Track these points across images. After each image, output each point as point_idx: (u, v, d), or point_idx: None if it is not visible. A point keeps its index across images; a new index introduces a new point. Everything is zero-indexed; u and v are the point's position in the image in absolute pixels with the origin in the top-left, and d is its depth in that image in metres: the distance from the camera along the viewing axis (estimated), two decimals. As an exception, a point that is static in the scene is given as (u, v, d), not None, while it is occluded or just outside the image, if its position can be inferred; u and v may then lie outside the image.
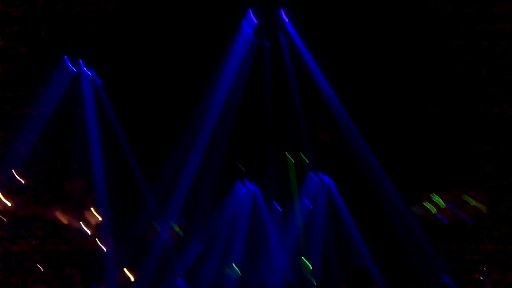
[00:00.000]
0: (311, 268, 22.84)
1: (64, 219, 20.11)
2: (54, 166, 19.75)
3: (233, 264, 22.56)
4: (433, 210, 21.28)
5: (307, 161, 23.38)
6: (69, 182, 20.15)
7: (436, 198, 21.10)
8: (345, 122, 19.18)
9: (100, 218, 20.62)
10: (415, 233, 19.70)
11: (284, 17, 18.71)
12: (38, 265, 18.71)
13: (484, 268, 18.28)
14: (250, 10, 18.27)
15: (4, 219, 18.17)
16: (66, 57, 18.38)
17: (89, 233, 20.37)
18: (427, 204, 21.07)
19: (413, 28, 16.03)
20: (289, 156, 23.30)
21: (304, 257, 23.13)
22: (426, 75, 16.99)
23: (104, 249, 20.15)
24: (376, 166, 19.22)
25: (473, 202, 20.56)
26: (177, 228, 22.52)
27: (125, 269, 20.58)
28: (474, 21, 15.13)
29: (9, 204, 18.23)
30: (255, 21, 18.53)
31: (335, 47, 17.64)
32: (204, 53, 18.16)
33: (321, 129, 21.68)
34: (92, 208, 21.01)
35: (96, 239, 20.41)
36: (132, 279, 20.61)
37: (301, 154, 22.60)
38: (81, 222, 20.42)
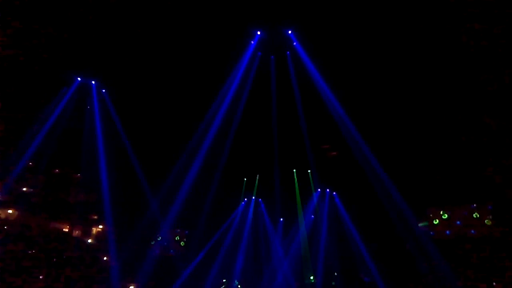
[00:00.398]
0: (313, 281, 22.59)
1: (67, 230, 19.97)
2: (58, 177, 19.72)
3: (236, 280, 22.36)
4: (437, 223, 21.13)
5: (311, 176, 23.33)
6: (73, 194, 20.07)
7: (443, 213, 20.95)
8: (352, 137, 19.09)
9: (103, 229, 20.48)
10: (421, 247, 19.46)
11: (293, 37, 18.91)
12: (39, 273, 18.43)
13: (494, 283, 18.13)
14: (259, 31, 18.46)
15: (6, 227, 18.04)
16: (78, 78, 18.80)
17: (92, 244, 20.21)
18: (434, 219, 20.90)
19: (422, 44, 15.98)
20: (294, 171, 23.25)
21: (307, 269, 22.90)
22: (434, 90, 16.88)
23: (106, 259, 20.00)
24: (383, 181, 19.08)
25: (477, 215, 20.45)
26: (179, 240, 22.43)
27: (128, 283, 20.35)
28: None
29: (11, 213, 18.16)
30: (262, 40, 18.79)
31: (342, 63, 17.63)
32: (212, 70, 18.25)
33: (327, 144, 21.61)
34: (96, 219, 20.90)
35: (100, 250, 20.26)
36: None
37: (308, 172, 22.61)
38: (84, 233, 20.29)
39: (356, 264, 21.15)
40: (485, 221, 20.40)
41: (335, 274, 21.97)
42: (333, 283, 22.03)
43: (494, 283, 18.45)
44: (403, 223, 19.57)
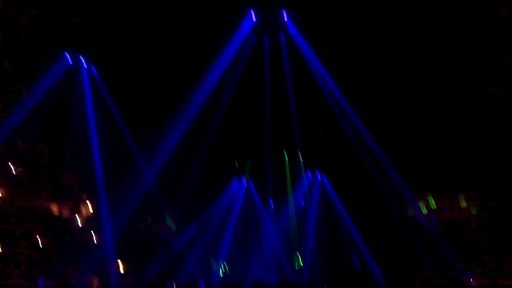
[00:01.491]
0: (302, 264, 22.45)
1: (58, 211, 19.45)
2: (49, 158, 19.07)
3: (222, 261, 22.12)
4: (425, 210, 20.97)
5: (302, 159, 22.98)
6: (64, 175, 19.48)
7: (429, 199, 20.76)
8: (346, 121, 18.70)
9: (93, 211, 20.01)
10: (408, 232, 19.32)
11: (286, 17, 18.24)
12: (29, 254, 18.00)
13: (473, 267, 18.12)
14: (252, 10, 17.77)
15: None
16: (66, 53, 17.95)
17: (82, 225, 19.75)
18: (421, 204, 20.73)
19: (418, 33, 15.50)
20: (285, 154, 22.83)
21: (296, 253, 22.75)
22: (425, 77, 16.48)
23: (96, 241, 19.61)
24: (373, 166, 18.80)
25: (464, 203, 20.31)
26: (169, 222, 22.03)
27: (118, 261, 20.00)
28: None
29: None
30: (256, 20, 18.10)
31: (337, 46, 17.08)
32: (203, 50, 17.61)
33: (318, 128, 21.19)
34: (87, 200, 20.38)
35: (91, 231, 19.84)
36: (122, 270, 20.03)
37: (298, 152, 22.22)
38: (75, 214, 19.80)
39: (347, 248, 20.96)
40: (471, 207, 20.31)
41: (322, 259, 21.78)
42: (321, 266, 21.89)
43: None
44: (389, 207, 19.43)
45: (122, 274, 20.02)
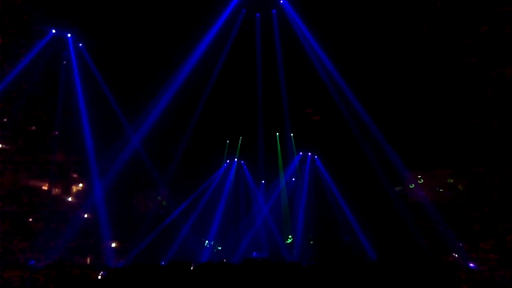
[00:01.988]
0: (290, 241, 22.59)
1: (47, 188, 19.11)
2: (38, 135, 18.59)
3: (211, 240, 22.14)
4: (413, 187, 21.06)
5: (293, 137, 22.83)
6: (53, 152, 19.04)
7: (417, 177, 20.83)
8: (338, 100, 18.46)
9: (83, 187, 19.74)
10: (397, 210, 19.41)
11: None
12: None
13: (460, 244, 18.26)
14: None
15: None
16: (52, 30, 17.38)
17: (72, 202, 19.50)
18: (410, 184, 20.79)
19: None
20: (277, 134, 22.67)
21: (286, 230, 22.86)
22: (420, 53, 16.13)
23: (87, 217, 19.42)
24: (364, 144, 18.72)
25: (451, 181, 20.37)
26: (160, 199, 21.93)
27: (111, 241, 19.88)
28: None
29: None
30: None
31: (330, 23, 16.63)
32: (191, 26, 17.04)
33: (311, 107, 20.94)
34: (76, 177, 20.07)
35: (80, 208, 19.60)
36: (114, 245, 19.94)
37: (291, 135, 22.11)
38: (64, 191, 19.52)
39: (337, 224, 21.05)
40: (458, 186, 20.38)
41: (312, 235, 21.89)
42: (311, 242, 22.03)
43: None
44: (378, 185, 19.46)
45: (116, 251, 19.93)
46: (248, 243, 22.10)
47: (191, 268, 11.41)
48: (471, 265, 13.47)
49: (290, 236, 22.80)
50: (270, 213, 22.93)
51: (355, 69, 17.76)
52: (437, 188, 20.62)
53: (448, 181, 20.60)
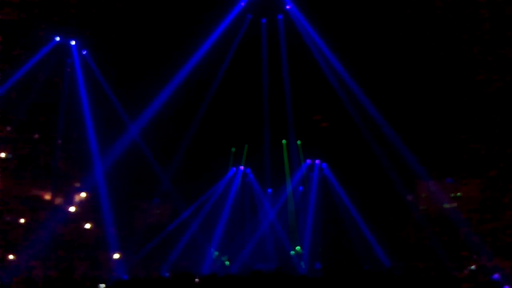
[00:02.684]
0: (302, 252, 21.77)
1: (48, 196, 18.59)
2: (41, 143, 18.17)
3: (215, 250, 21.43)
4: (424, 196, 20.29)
5: (301, 147, 22.25)
6: (55, 160, 18.58)
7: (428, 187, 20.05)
8: (345, 107, 17.90)
9: (86, 197, 19.18)
10: (408, 219, 18.66)
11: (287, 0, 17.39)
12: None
13: (474, 256, 17.45)
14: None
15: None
16: (56, 37, 17.06)
17: (75, 212, 18.93)
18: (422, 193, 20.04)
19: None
20: (283, 141, 22.05)
21: (295, 240, 22.10)
22: (436, 61, 15.52)
23: (90, 227, 18.85)
24: (374, 152, 18.04)
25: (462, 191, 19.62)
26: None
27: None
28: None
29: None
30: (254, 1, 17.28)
31: (336, 29, 16.13)
32: (196, 32, 16.65)
33: (318, 114, 20.34)
34: (78, 186, 19.55)
35: (83, 218, 19.05)
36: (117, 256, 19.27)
37: (298, 142, 21.57)
38: (66, 201, 18.96)
39: (348, 233, 20.23)
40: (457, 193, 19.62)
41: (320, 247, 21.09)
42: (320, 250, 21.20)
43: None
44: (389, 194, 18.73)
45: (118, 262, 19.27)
46: (253, 252, 21.36)
47: (196, 280, 10.73)
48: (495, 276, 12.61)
49: (298, 247, 21.97)
50: (277, 222, 22.20)
51: (364, 74, 17.18)
52: (449, 198, 19.87)
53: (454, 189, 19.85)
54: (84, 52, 18.08)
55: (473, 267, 16.78)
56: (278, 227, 22.07)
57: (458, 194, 19.57)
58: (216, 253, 21.75)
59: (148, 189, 20.04)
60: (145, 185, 19.73)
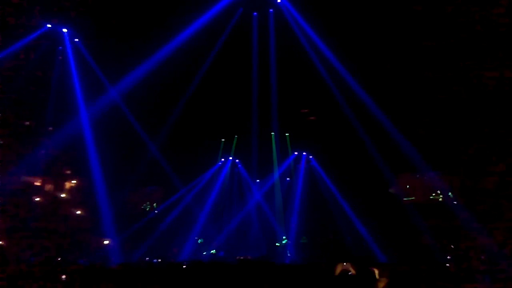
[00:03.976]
0: (287, 240, 21.89)
1: (39, 184, 18.36)
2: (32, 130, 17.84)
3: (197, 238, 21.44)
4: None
5: (289, 140, 22.32)
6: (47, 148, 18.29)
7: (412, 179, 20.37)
8: (333, 101, 17.97)
9: (77, 184, 19.02)
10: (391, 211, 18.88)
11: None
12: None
13: (452, 246, 17.77)
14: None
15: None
16: (48, 25, 16.64)
17: (65, 198, 18.77)
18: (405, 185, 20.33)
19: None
20: (272, 134, 22.07)
21: (280, 231, 22.24)
22: (415, 57, 15.60)
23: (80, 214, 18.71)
24: (359, 145, 18.18)
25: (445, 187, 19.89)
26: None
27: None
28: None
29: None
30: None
31: (328, 24, 16.07)
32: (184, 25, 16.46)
33: (306, 108, 20.38)
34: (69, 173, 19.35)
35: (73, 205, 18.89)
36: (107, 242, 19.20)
37: (286, 135, 21.63)
38: (57, 188, 18.78)
39: (335, 224, 20.39)
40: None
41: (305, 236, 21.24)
42: (303, 241, 21.36)
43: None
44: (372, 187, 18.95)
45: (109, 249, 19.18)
46: (240, 241, 21.47)
47: (183, 267, 10.79)
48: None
49: (284, 237, 22.11)
50: (265, 211, 22.32)
51: (352, 70, 17.22)
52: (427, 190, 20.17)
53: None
54: (77, 40, 17.75)
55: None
56: (265, 216, 22.19)
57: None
58: (200, 240, 21.80)
59: (139, 178, 19.87)
60: (136, 174, 19.55)
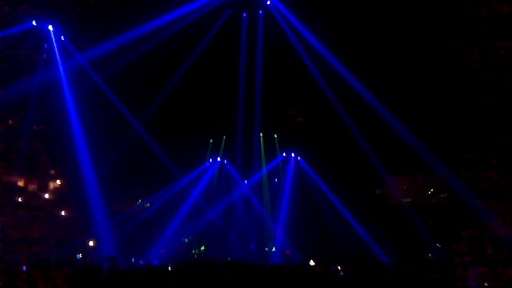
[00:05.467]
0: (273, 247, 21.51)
1: (22, 183, 17.63)
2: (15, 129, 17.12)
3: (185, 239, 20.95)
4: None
5: (277, 141, 22.05)
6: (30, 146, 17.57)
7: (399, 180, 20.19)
8: (322, 103, 17.74)
9: (61, 184, 18.35)
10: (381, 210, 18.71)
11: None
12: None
13: (438, 245, 17.70)
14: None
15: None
16: (33, 21, 15.87)
17: (49, 198, 18.07)
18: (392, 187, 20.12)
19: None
20: (261, 135, 21.75)
21: (268, 235, 21.91)
22: (403, 58, 15.42)
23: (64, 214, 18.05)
24: (348, 146, 17.98)
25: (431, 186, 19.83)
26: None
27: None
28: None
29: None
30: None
31: (318, 25, 15.82)
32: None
33: (294, 110, 20.10)
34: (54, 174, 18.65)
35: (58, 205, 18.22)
36: (92, 244, 18.58)
37: (275, 136, 21.36)
38: (41, 188, 18.07)
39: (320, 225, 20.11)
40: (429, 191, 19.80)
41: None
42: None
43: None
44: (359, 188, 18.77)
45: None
46: (230, 243, 21.07)
47: (169, 269, 10.37)
48: None
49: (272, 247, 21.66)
50: (253, 213, 21.97)
51: (342, 70, 16.98)
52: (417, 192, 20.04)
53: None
54: (63, 38, 17.12)
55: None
56: (253, 216, 21.84)
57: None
58: (187, 240, 21.34)
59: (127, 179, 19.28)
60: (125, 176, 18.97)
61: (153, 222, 19.66)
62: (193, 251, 21.54)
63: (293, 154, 22.48)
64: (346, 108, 18.01)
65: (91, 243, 18.57)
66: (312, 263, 16.14)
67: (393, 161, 18.82)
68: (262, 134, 21.82)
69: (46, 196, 18.21)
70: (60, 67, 17.00)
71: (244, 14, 18.61)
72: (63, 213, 18.47)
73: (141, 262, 17.92)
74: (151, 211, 20.07)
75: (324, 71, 17.16)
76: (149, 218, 19.79)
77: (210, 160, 22.91)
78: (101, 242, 17.87)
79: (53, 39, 16.88)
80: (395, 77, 15.91)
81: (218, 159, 22.98)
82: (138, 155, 18.49)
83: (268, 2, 17.78)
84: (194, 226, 20.89)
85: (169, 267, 10.73)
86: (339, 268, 11.23)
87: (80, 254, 17.74)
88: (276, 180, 23.15)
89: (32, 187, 17.93)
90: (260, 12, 18.51)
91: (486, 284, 10.29)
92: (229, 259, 17.80)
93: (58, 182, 18.57)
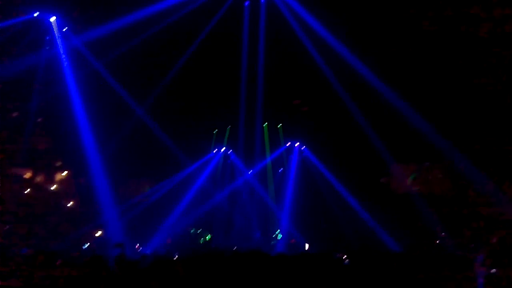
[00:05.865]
0: (280, 235, 21.50)
1: (28, 176, 17.71)
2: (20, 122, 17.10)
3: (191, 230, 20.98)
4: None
5: (281, 130, 21.93)
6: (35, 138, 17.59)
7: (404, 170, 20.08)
8: (326, 92, 17.57)
9: (67, 176, 18.41)
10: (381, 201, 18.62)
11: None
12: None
13: (443, 234, 17.68)
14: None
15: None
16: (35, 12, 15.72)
17: (56, 190, 18.17)
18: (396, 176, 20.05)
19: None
20: (265, 124, 21.63)
21: (273, 224, 21.91)
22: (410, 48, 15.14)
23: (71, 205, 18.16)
24: (354, 134, 17.84)
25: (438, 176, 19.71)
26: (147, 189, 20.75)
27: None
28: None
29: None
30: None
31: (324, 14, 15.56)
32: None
33: (298, 99, 19.93)
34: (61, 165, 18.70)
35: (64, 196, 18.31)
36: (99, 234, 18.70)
37: (279, 126, 21.23)
38: (47, 180, 18.14)
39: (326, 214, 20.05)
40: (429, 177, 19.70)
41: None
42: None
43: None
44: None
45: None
46: (234, 234, 21.10)
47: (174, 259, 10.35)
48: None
49: (278, 232, 21.66)
50: (257, 201, 21.96)
51: (348, 58, 16.75)
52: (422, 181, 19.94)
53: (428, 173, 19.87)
54: (65, 29, 16.95)
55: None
56: (258, 203, 21.82)
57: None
58: (192, 231, 21.39)
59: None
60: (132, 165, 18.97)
61: (158, 209, 19.64)
62: (200, 241, 21.60)
63: (297, 144, 22.35)
64: (351, 95, 17.83)
65: (98, 233, 18.67)
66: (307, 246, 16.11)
67: (400, 149, 18.66)
68: (267, 123, 21.72)
69: (52, 188, 18.27)
70: (61, 49, 16.79)
71: (247, 3, 18.43)
72: (69, 204, 18.55)
73: (148, 251, 17.98)
74: (156, 198, 20.03)
75: (329, 58, 16.93)
76: (154, 205, 19.77)
77: (215, 150, 22.82)
78: (109, 230, 17.91)
79: (55, 30, 16.75)
80: (402, 61, 15.61)
81: (223, 149, 22.92)
82: (145, 143, 18.45)
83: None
84: (200, 214, 20.86)
85: (176, 257, 10.72)
86: (344, 256, 11.18)
87: (87, 244, 17.89)
88: (281, 169, 23.10)
89: (38, 179, 18.01)
90: (263, 1, 18.31)
91: (492, 271, 10.22)
92: (235, 248, 17.81)
93: (63, 174, 18.60)
